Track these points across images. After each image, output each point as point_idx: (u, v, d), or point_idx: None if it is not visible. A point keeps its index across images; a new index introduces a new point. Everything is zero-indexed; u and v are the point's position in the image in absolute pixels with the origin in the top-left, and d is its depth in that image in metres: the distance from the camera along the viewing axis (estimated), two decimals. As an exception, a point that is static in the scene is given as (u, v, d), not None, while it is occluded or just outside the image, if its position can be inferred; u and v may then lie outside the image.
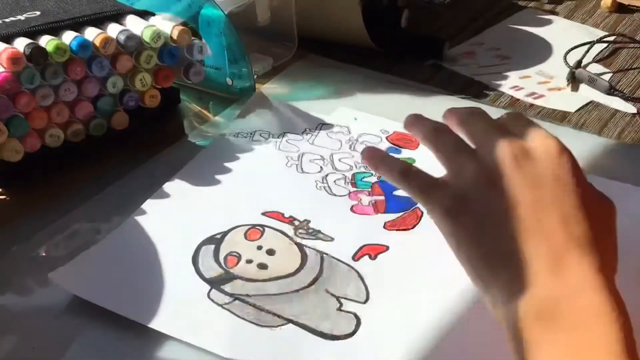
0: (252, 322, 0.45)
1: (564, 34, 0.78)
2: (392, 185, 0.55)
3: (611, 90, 0.67)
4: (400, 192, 0.55)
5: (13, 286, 0.49)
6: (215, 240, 0.51)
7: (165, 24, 0.59)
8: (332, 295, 0.47)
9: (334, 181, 0.57)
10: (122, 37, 0.57)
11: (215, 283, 0.48)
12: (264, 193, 0.55)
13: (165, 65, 0.60)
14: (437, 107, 0.66)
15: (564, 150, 0.42)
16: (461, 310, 0.46)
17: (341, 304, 0.47)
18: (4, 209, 0.55)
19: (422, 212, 0.53)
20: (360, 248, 0.51)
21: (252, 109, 0.64)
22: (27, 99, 0.53)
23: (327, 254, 0.50)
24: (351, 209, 0.54)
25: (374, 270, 0.49)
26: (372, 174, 0.57)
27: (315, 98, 0.67)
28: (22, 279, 0.49)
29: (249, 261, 0.50)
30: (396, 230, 0.52)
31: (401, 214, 0.54)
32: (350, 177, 0.57)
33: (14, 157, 0.54)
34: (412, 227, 0.52)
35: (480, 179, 0.42)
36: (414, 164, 0.57)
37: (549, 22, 0.80)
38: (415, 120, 0.49)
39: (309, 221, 0.53)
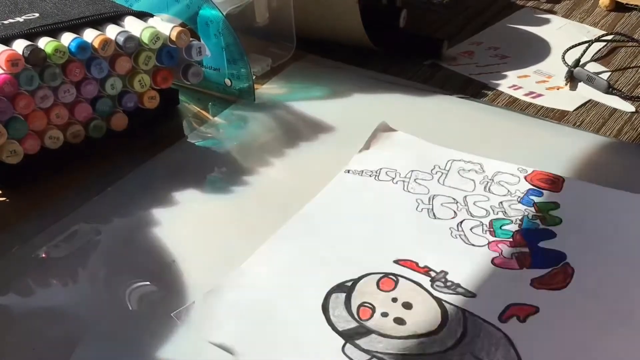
0: None
1: (562, 33, 0.78)
2: (536, 234, 0.50)
3: (610, 89, 0.67)
4: (547, 244, 0.51)
5: (13, 287, 0.49)
6: (346, 288, 0.47)
7: (164, 25, 0.59)
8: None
9: (471, 229, 0.52)
10: (120, 39, 0.57)
11: (349, 337, 0.44)
12: (395, 239, 0.51)
13: (164, 67, 0.60)
14: (435, 106, 0.66)
15: None
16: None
17: None
18: (4, 211, 0.55)
19: (573, 270, 0.48)
20: (507, 307, 0.46)
21: (376, 141, 0.60)
22: (26, 100, 0.53)
23: (469, 312, 0.45)
24: (492, 261, 0.49)
25: (525, 334, 0.44)
26: (511, 222, 0.52)
27: (314, 98, 0.67)
28: (22, 280, 0.49)
29: (384, 314, 0.45)
30: (546, 289, 0.47)
31: (549, 270, 0.48)
32: (487, 225, 0.52)
33: (13, 159, 0.54)
34: (564, 287, 0.47)
35: None
36: (558, 210, 0.53)
37: (547, 21, 0.80)
38: None
39: (446, 272, 0.48)
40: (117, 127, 0.59)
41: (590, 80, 0.68)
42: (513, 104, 0.66)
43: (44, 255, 0.51)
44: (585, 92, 0.68)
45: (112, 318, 0.46)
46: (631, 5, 0.81)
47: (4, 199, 0.56)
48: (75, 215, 0.54)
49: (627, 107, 0.65)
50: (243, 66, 0.64)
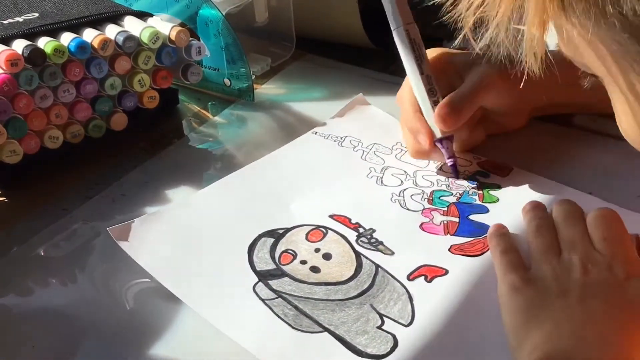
0: (289, 324, 0.44)
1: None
2: (470, 208, 0.53)
3: (609, 88, 0.67)
4: (476, 217, 0.52)
5: (13, 287, 0.49)
6: (277, 235, 0.50)
7: (164, 25, 0.59)
8: (376, 311, 0.45)
9: (411, 196, 0.54)
10: (120, 38, 0.57)
11: (263, 277, 0.47)
12: (337, 197, 0.54)
13: (163, 66, 0.60)
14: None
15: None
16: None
17: (383, 322, 0.45)
18: (4, 210, 0.55)
19: None
20: (418, 267, 0.48)
21: (350, 111, 0.63)
22: (25, 100, 0.53)
23: (382, 268, 0.48)
24: (420, 226, 0.52)
25: (426, 293, 0.46)
26: (451, 194, 0.54)
27: (313, 98, 0.67)
28: (22, 280, 0.49)
29: (303, 262, 0.48)
30: (461, 254, 0.49)
31: (471, 239, 0.50)
32: (428, 194, 0.54)
33: (13, 159, 0.54)
34: (479, 254, 0.49)
35: (552, 284, 0.44)
36: (498, 190, 0.55)
37: (547, 20, 0.80)
38: (531, 209, 0.49)
39: (374, 230, 0.51)
40: (117, 127, 0.59)
41: (590, 79, 0.68)
42: (513, 103, 0.66)
43: (43, 255, 0.51)
44: (585, 91, 0.67)
45: (111, 316, 0.46)
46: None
47: (3, 199, 0.56)
48: (75, 215, 0.54)
49: (627, 106, 0.65)
50: (242, 66, 0.64)
